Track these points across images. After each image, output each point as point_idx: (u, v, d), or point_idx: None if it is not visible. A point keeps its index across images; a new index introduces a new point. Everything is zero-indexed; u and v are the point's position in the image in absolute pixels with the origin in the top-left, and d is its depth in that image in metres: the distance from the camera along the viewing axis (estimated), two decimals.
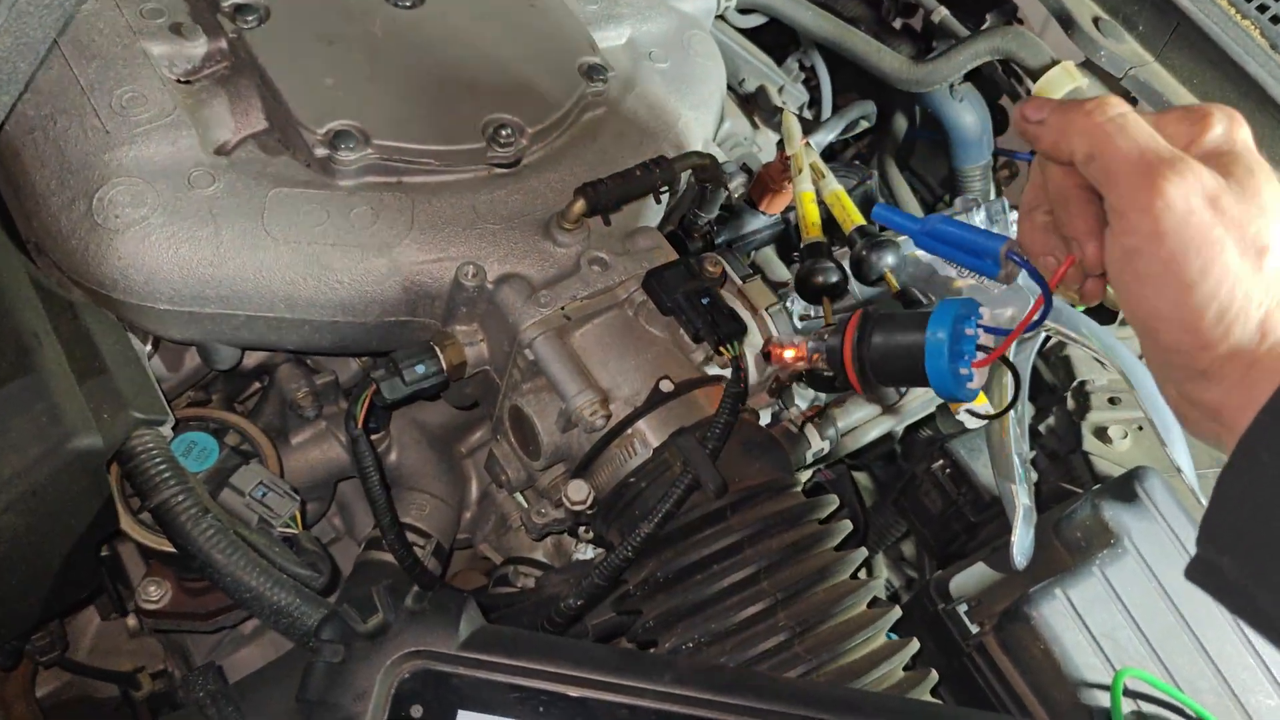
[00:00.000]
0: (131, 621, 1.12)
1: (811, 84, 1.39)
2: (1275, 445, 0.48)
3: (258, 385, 1.08)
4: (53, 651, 1.05)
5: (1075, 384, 1.13)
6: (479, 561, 1.16)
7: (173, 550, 0.85)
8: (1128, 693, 0.73)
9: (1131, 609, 0.86)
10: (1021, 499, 0.90)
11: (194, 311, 0.85)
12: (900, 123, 1.44)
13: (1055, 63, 1.17)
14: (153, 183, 0.84)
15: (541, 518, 0.93)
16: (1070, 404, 1.12)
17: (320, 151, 0.87)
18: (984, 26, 1.31)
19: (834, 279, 0.90)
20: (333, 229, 0.86)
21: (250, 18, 0.91)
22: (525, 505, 1.01)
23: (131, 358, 0.84)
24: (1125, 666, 0.72)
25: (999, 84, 1.37)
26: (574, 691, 0.67)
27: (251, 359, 1.04)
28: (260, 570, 0.81)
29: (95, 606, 1.10)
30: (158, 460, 0.81)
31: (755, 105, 1.28)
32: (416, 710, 0.67)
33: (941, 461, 1.00)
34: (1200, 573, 0.52)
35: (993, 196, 1.40)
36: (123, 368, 0.82)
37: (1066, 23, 1.21)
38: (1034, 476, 1.00)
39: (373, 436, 1.05)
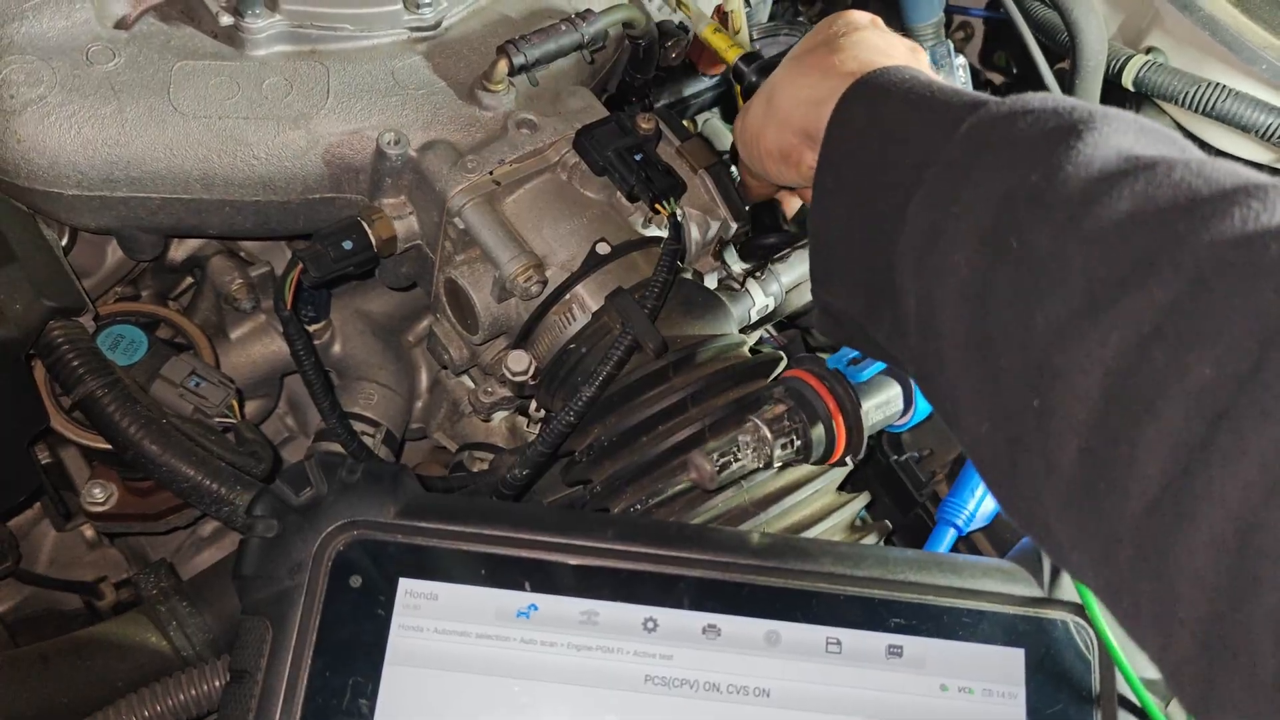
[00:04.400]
0: (89, 532, 1.10)
1: None
2: (843, 169, 0.52)
3: (190, 281, 1.05)
4: (4, 563, 1.04)
5: None
6: (438, 453, 1.14)
7: (110, 448, 0.83)
8: None
9: None
10: None
11: (105, 196, 0.81)
12: None
13: None
14: (48, 60, 0.80)
15: (489, 396, 0.91)
16: None
17: (225, 20, 0.83)
18: None
19: None
20: (245, 102, 0.82)
21: None
22: (473, 386, 0.99)
23: (42, 246, 0.81)
24: None
25: None
26: (514, 552, 0.66)
27: (180, 252, 1.00)
28: (196, 458, 0.79)
29: (49, 519, 1.08)
30: (79, 351, 0.78)
31: None
32: (356, 580, 0.66)
33: None
34: (824, 321, 0.55)
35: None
36: (33, 256, 0.79)
37: None
38: None
39: (314, 326, 1.02)
